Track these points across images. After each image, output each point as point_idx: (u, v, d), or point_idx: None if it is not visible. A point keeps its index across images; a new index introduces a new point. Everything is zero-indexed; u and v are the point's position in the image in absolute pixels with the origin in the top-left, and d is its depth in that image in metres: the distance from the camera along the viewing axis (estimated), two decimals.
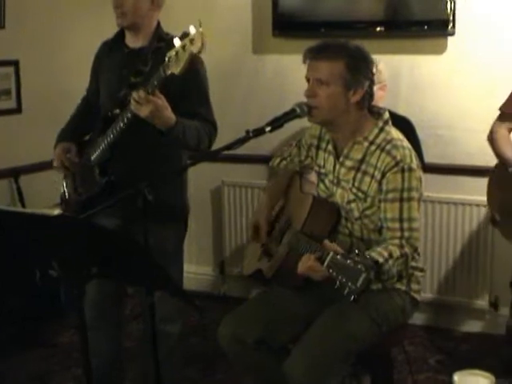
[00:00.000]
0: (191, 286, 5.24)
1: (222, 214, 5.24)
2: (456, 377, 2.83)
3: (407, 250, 2.85)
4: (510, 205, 3.66)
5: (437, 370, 4.24)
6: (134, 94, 3.00)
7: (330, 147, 3.15)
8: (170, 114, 3.08)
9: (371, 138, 3.01)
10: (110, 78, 3.44)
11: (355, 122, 3.02)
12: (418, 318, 4.49)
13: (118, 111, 3.22)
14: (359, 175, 3.01)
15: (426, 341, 4.62)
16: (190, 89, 3.29)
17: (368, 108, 3.06)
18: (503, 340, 4.03)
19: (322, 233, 2.99)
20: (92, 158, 3.39)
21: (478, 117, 4.39)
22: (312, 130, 3.27)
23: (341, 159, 3.08)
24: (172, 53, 2.87)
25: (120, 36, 3.46)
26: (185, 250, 5.35)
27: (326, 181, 3.16)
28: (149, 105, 2.99)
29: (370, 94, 3.01)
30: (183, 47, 2.83)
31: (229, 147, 2.85)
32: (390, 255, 2.76)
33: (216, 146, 2.90)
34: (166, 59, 2.89)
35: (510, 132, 3.77)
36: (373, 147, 2.99)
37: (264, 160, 4.82)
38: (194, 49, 2.80)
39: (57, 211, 2.66)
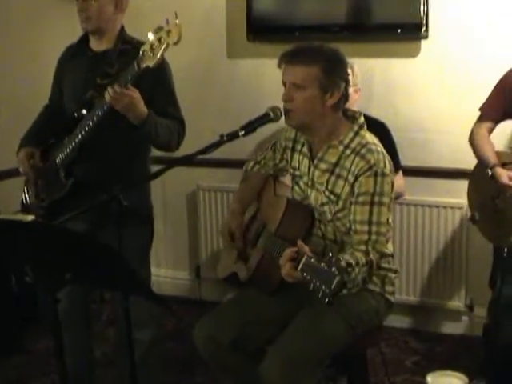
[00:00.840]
0: (167, 291, 5.25)
1: (198, 218, 5.23)
2: (429, 378, 2.86)
3: (372, 256, 2.85)
4: (488, 204, 3.69)
5: (413, 371, 4.25)
6: (109, 89, 3.04)
7: (305, 149, 3.17)
8: (143, 108, 3.13)
9: (346, 141, 3.01)
10: (74, 81, 3.46)
11: (331, 125, 3.03)
12: (394, 320, 4.50)
13: (84, 112, 3.23)
14: (333, 178, 3.02)
15: (402, 343, 4.64)
16: (158, 89, 3.33)
17: (343, 112, 3.08)
18: (479, 341, 4.05)
19: (297, 235, 2.98)
20: (57, 160, 3.39)
21: (451, 119, 4.42)
22: (287, 132, 3.27)
23: (315, 162, 3.09)
24: (146, 46, 2.90)
25: (84, 40, 3.49)
26: (161, 254, 5.38)
27: (301, 183, 3.17)
28: (124, 98, 3.04)
29: (345, 96, 3.03)
30: (159, 39, 2.85)
31: (203, 151, 2.86)
32: (357, 262, 2.75)
33: (191, 150, 2.89)
34: (140, 53, 2.92)
35: (490, 132, 3.79)
36: (348, 151, 3.00)
37: (239, 164, 4.78)
38: (171, 40, 2.83)
39: (30, 217, 2.66)
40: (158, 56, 2.87)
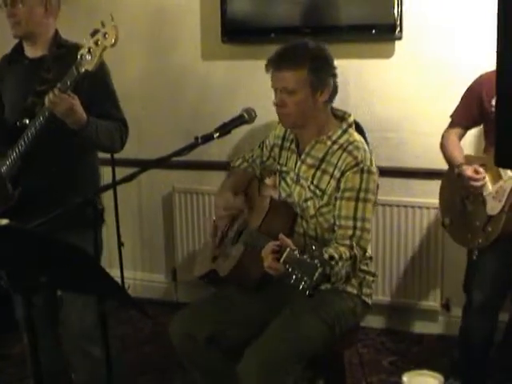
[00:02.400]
0: (143, 294, 5.23)
1: (174, 221, 5.22)
2: (405, 377, 2.85)
3: (356, 251, 2.87)
4: (458, 206, 3.71)
5: (390, 371, 4.26)
6: (50, 93, 3.02)
7: (293, 146, 3.21)
8: (82, 113, 3.11)
9: (334, 137, 3.06)
10: (13, 90, 3.43)
11: (323, 120, 3.08)
12: (370, 321, 4.52)
13: (27, 121, 3.21)
14: (318, 173, 3.06)
15: (378, 343, 4.65)
16: (98, 91, 3.32)
17: (333, 112, 3.14)
18: (455, 341, 4.05)
19: (280, 232, 2.99)
20: (3, 171, 3.35)
21: (425, 120, 4.44)
22: (277, 130, 3.32)
23: (302, 156, 3.13)
24: (84, 50, 2.90)
25: (18, 48, 3.46)
26: (137, 257, 5.35)
27: (288, 179, 3.21)
28: (63, 103, 3.02)
29: (335, 89, 3.07)
30: (96, 42, 2.85)
31: (178, 153, 2.85)
32: (340, 257, 2.76)
33: (166, 152, 2.89)
34: (79, 57, 2.92)
35: (460, 138, 3.82)
36: (335, 146, 3.04)
37: (214, 166, 4.82)
38: (108, 43, 2.83)
39: (4, 221, 2.63)
40: (96, 59, 2.88)
